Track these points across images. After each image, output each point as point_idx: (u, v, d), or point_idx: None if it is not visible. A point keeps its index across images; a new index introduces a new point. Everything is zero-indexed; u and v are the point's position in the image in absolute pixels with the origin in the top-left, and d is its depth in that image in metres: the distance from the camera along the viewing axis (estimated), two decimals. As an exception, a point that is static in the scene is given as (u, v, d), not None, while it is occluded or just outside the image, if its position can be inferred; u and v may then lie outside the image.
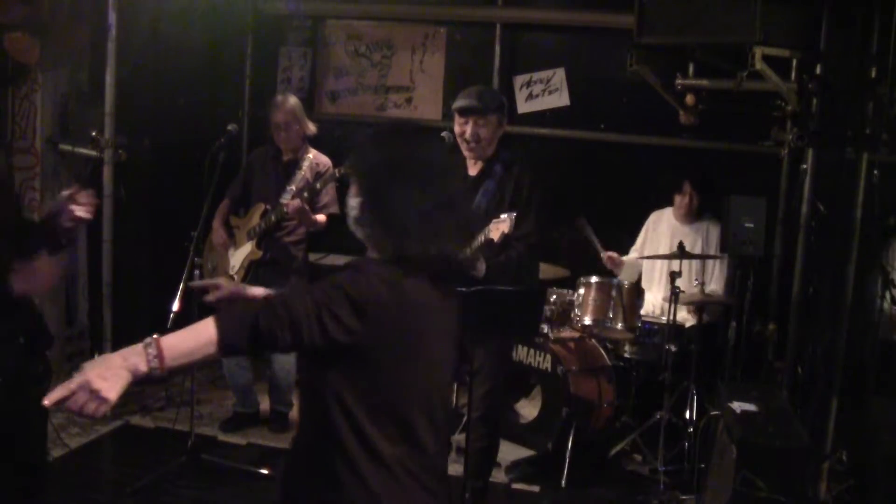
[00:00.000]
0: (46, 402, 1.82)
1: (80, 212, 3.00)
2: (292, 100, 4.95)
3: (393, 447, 2.02)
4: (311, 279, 5.07)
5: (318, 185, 4.80)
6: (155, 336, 1.88)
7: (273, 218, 4.81)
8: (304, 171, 4.93)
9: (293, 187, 4.89)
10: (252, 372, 5.17)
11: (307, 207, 4.72)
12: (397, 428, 2.03)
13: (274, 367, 5.08)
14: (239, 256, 4.96)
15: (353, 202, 2.10)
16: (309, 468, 2.08)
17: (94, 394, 1.81)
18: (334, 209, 4.89)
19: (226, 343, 1.92)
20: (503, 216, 3.61)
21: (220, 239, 5.00)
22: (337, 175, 4.71)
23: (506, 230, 3.57)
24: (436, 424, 2.12)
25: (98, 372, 1.83)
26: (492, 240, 3.63)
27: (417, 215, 2.03)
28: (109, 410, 1.84)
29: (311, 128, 5.02)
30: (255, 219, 4.92)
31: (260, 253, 4.87)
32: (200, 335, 1.92)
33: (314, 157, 5.00)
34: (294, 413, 5.23)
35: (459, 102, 3.99)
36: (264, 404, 5.23)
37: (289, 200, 4.75)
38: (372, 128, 2.16)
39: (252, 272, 4.89)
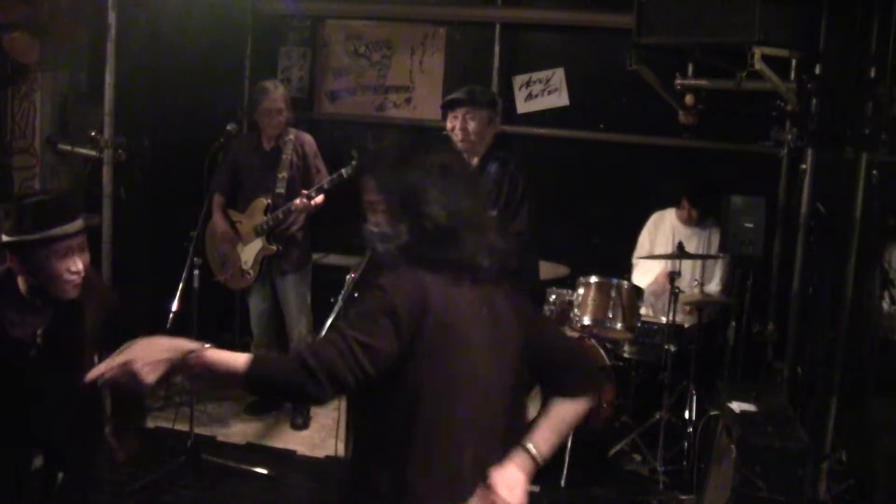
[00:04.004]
0: (88, 377, 1.90)
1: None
2: (282, 87, 5.11)
3: (424, 476, 1.98)
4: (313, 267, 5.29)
5: (313, 169, 5.10)
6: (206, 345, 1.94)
7: (280, 215, 4.95)
8: (290, 155, 5.05)
9: (283, 174, 5.02)
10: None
11: (312, 204, 4.90)
12: (431, 454, 1.98)
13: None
14: (250, 252, 5.07)
15: (382, 226, 2.06)
16: (354, 484, 2.09)
17: (133, 375, 1.86)
18: (327, 182, 4.98)
19: (250, 378, 1.90)
20: None
21: (227, 236, 5.08)
22: (345, 175, 4.77)
23: None
24: (470, 452, 2.04)
25: (142, 355, 1.88)
26: None
27: (465, 218, 2.02)
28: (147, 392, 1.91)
29: (291, 115, 5.19)
30: (258, 215, 5.02)
31: (273, 248, 5.03)
32: (236, 360, 1.92)
33: (295, 138, 5.11)
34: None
35: (449, 97, 4.06)
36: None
37: (297, 203, 4.88)
38: (374, 145, 2.18)
39: (265, 266, 5.09)
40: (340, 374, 1.87)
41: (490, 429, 2.08)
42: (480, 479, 2.04)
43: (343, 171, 4.76)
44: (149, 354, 1.88)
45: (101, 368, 1.89)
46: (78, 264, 2.77)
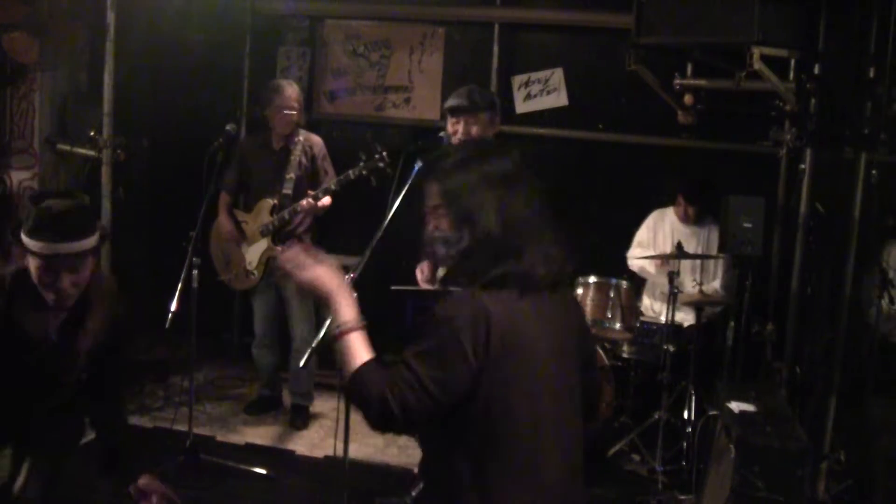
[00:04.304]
0: (282, 256, 2.16)
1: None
2: (296, 86, 5.12)
3: (508, 492, 2.01)
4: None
5: (321, 171, 5.09)
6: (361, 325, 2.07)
7: (286, 216, 4.94)
8: (298, 156, 5.05)
9: (291, 175, 5.00)
10: (278, 358, 5.30)
11: (318, 205, 4.90)
12: (510, 466, 2.01)
13: (292, 357, 5.14)
14: (255, 252, 5.07)
15: (444, 231, 2.09)
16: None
17: (301, 269, 2.11)
18: (334, 183, 4.95)
19: (349, 380, 2.02)
20: None
21: (232, 235, 5.08)
22: (352, 176, 4.76)
23: None
24: (554, 454, 2.07)
25: (323, 280, 2.10)
26: None
27: (525, 228, 2.06)
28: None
29: (302, 119, 5.20)
30: (264, 215, 5.01)
31: (278, 249, 4.99)
32: (358, 356, 2.03)
33: (304, 140, 5.10)
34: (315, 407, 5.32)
35: (450, 102, 4.08)
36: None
37: (302, 203, 4.88)
38: (441, 150, 2.21)
39: (270, 268, 5.07)
40: (416, 412, 1.94)
41: (568, 434, 2.12)
42: (565, 486, 2.09)
43: (350, 172, 4.74)
44: (329, 287, 2.09)
45: (294, 260, 2.12)
46: (62, 282, 2.72)
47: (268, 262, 5.04)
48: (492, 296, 1.99)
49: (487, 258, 2.03)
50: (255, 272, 5.06)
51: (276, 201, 4.98)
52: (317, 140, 5.16)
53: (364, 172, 4.67)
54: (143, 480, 2.98)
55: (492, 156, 2.15)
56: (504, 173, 2.10)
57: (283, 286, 5.13)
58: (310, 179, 5.04)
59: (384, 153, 4.60)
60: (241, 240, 5.10)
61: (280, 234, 5.00)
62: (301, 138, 5.07)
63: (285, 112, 4.97)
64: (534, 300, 2.04)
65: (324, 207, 4.98)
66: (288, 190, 4.98)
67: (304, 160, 5.04)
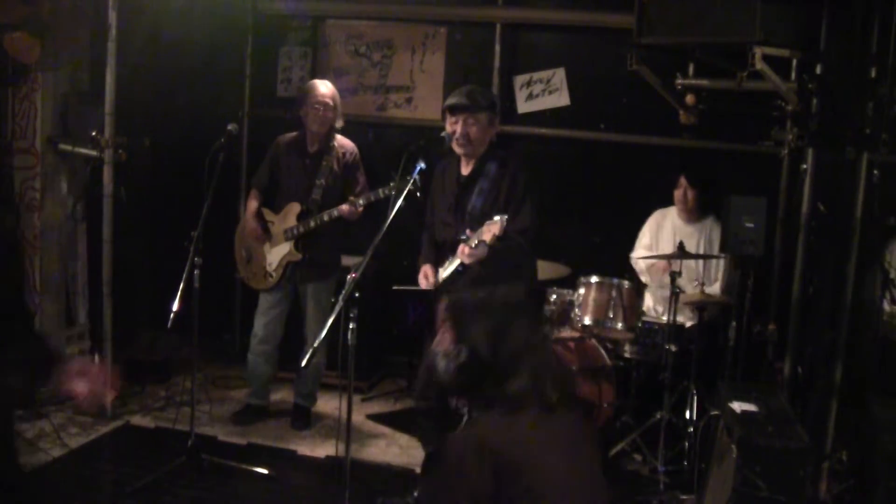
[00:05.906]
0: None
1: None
2: (334, 88, 5.06)
3: None
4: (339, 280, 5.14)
5: (352, 179, 5.03)
6: None
7: (312, 223, 4.90)
8: (331, 163, 5.00)
9: (321, 181, 4.96)
10: (274, 367, 5.26)
11: (355, 209, 4.79)
12: None
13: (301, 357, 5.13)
14: (276, 255, 5.04)
15: (445, 340, 2.27)
16: None
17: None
18: (363, 201, 4.86)
19: None
20: (496, 218, 3.63)
21: (256, 233, 5.07)
22: (381, 195, 4.64)
23: (497, 232, 3.59)
24: None
25: None
26: (484, 241, 3.66)
27: (517, 355, 2.19)
28: None
29: (340, 121, 5.11)
30: (290, 219, 4.99)
31: (299, 255, 4.97)
32: None
33: (338, 146, 5.06)
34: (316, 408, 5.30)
35: (449, 101, 4.06)
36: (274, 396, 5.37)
37: (343, 207, 4.78)
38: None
39: (289, 272, 5.02)
40: None
41: None
42: None
43: (380, 190, 4.56)
44: None
45: None
46: None
47: (287, 267, 5.00)
48: (491, 421, 2.15)
49: (477, 377, 2.19)
50: (274, 274, 5.03)
51: (304, 206, 4.95)
52: (351, 147, 5.10)
53: (393, 193, 4.59)
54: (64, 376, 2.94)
55: (498, 288, 2.33)
56: (505, 302, 2.27)
57: (302, 289, 5.09)
58: (340, 186, 4.99)
59: (417, 178, 4.36)
60: (265, 240, 5.08)
61: (303, 241, 4.98)
62: (335, 144, 5.04)
63: (319, 108, 4.92)
64: (547, 419, 2.17)
65: (358, 213, 4.86)
66: (317, 196, 4.94)
67: (335, 166, 5.00)
